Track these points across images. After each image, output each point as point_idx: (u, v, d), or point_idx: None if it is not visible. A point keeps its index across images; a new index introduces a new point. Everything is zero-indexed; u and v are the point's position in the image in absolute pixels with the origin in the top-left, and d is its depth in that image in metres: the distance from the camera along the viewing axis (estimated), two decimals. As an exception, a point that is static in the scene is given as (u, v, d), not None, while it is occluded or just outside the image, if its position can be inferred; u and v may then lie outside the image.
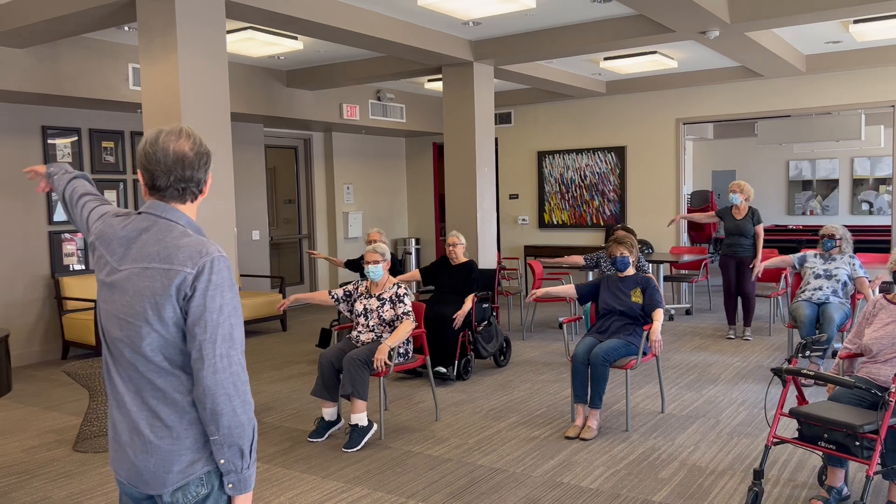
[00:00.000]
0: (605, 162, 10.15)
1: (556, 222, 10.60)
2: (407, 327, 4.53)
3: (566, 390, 5.54)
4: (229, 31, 6.22)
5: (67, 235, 7.30)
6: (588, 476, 3.88)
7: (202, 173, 1.80)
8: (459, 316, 5.76)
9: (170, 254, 1.71)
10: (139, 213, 1.81)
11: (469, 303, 5.83)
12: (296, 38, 6.59)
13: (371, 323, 4.66)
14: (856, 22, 6.68)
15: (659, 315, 4.59)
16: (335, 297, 4.81)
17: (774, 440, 3.34)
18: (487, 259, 7.48)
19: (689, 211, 11.61)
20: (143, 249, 1.74)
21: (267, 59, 7.57)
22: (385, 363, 4.37)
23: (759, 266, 6.81)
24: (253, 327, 8.56)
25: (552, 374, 6.08)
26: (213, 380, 1.66)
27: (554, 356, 6.73)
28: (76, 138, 7.30)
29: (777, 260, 6.24)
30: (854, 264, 5.78)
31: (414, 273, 6.23)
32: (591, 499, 3.60)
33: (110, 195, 7.59)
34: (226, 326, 1.68)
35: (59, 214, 7.21)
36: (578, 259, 6.82)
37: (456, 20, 6.25)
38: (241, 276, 8.90)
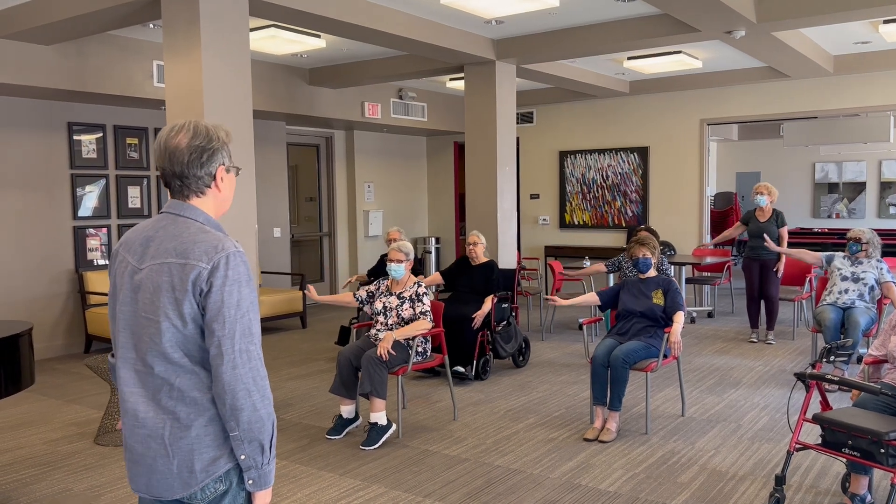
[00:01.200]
0: (628, 162, 10.07)
1: (577, 223, 10.53)
2: (421, 325, 4.52)
3: (585, 392, 5.50)
4: (253, 29, 6.25)
5: (92, 231, 7.38)
6: (606, 479, 3.85)
7: (197, 167, 1.78)
8: (479, 316, 5.74)
9: (186, 249, 1.71)
10: (161, 213, 1.83)
11: (488, 303, 5.81)
12: (318, 37, 6.61)
13: (390, 321, 4.65)
14: (886, 22, 6.55)
15: (679, 317, 4.54)
16: (359, 299, 4.81)
17: (797, 446, 3.29)
18: (507, 259, 7.46)
19: (713, 214, 11.49)
20: (161, 246, 1.75)
21: (290, 56, 7.60)
22: (388, 352, 4.36)
23: (782, 266, 6.76)
24: (273, 324, 8.60)
25: (571, 375, 6.04)
26: (232, 375, 1.65)
27: (573, 357, 6.69)
28: (101, 135, 7.38)
29: (805, 252, 6.14)
30: (882, 268, 5.68)
31: (435, 276, 6.23)
32: (609, 501, 3.56)
33: (133, 192, 7.67)
34: (244, 321, 1.68)
35: (84, 210, 7.29)
36: (600, 267, 6.76)
37: (479, 19, 6.23)
38: (262, 272, 8.95)
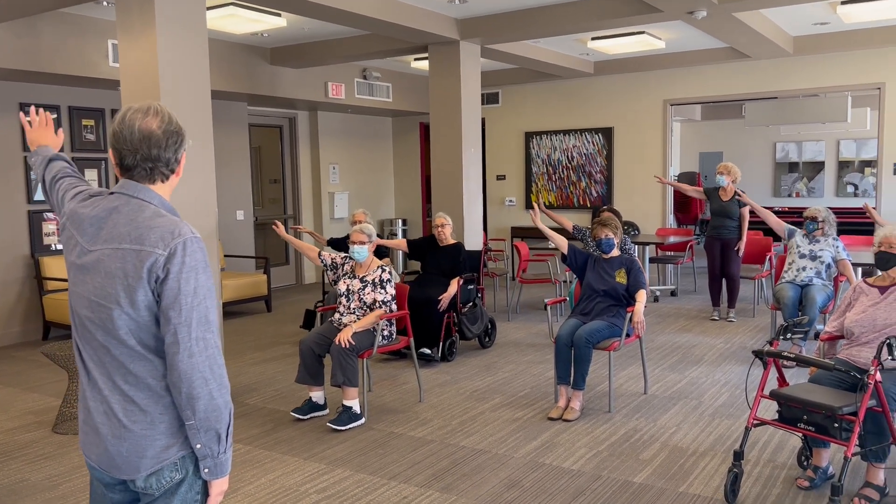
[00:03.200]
0: (593, 143, 10.12)
1: (543, 203, 10.56)
2: (375, 316, 4.49)
3: (550, 371, 5.55)
4: (210, 8, 6.11)
5: (48, 215, 7.20)
6: (570, 457, 3.89)
7: (171, 153, 1.75)
8: (445, 298, 5.74)
9: (141, 234, 1.67)
10: (111, 192, 1.77)
11: (454, 286, 5.81)
12: (279, 15, 6.48)
13: (352, 305, 4.62)
14: (843, 3, 6.64)
15: (642, 296, 4.58)
16: (323, 261, 4.79)
17: (755, 422, 3.35)
18: (473, 240, 7.46)
19: (676, 194, 11.61)
20: (114, 230, 1.70)
21: (250, 36, 7.45)
22: (349, 341, 4.34)
23: (743, 245, 6.88)
24: (237, 308, 8.51)
25: (537, 355, 6.08)
26: (188, 364, 1.63)
27: (539, 337, 6.74)
28: (55, 116, 7.17)
29: (771, 215, 6.23)
30: (838, 247, 5.79)
31: (401, 242, 6.20)
32: (573, 480, 3.60)
33: (90, 174, 7.49)
34: (201, 309, 1.65)
35: (40, 194, 7.10)
36: (569, 224, 6.54)
37: (442, -2, 6.17)
38: (226, 256, 8.83)
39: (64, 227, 1.81)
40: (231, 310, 8.45)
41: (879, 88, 8.31)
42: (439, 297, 5.74)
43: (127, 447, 1.68)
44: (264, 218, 9.83)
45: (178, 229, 1.68)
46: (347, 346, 4.32)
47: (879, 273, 3.57)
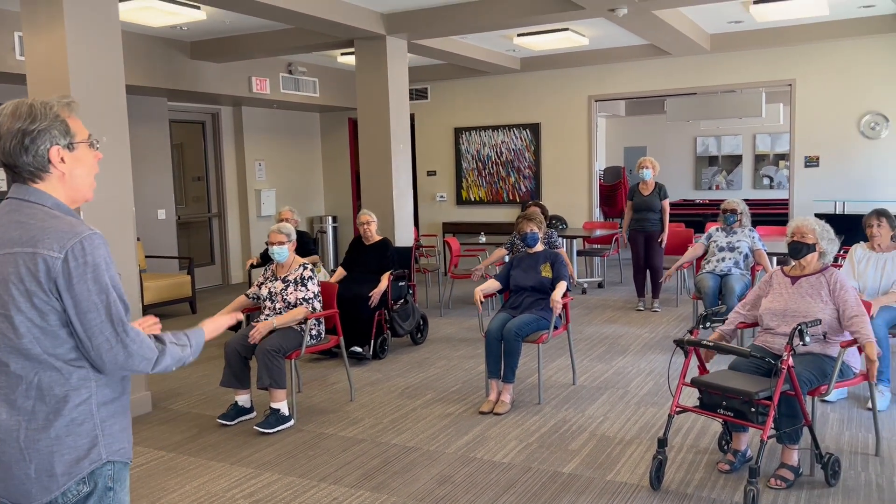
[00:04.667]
0: (521, 139, 10.23)
1: (473, 199, 10.63)
2: (297, 313, 4.41)
3: (481, 366, 5.58)
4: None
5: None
6: (501, 450, 3.92)
7: (20, 153, 1.64)
8: (375, 294, 5.70)
9: (34, 237, 1.59)
10: (5, 198, 1.69)
11: (385, 281, 5.77)
12: (198, 8, 6.29)
13: (277, 306, 4.53)
14: (756, 2, 6.90)
15: (562, 286, 4.64)
16: (254, 296, 4.64)
17: (677, 409, 3.45)
18: (404, 237, 7.43)
19: (602, 187, 11.87)
20: (5, 234, 1.62)
21: (168, 29, 7.21)
22: (261, 336, 4.28)
23: (665, 237, 7.08)
24: (161, 310, 8.24)
25: (468, 350, 6.11)
26: (126, 358, 1.62)
27: (471, 332, 6.77)
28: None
29: (690, 254, 6.31)
30: (754, 237, 6.02)
31: (339, 272, 6.14)
32: (503, 473, 3.63)
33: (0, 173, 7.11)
34: (117, 306, 1.62)
35: (-58, 194, 6.69)
36: (501, 252, 6.71)
37: (366, -8, 6.10)
38: (147, 257, 8.54)
39: None
40: (153, 312, 8.16)
41: (790, 85, 8.67)
42: (370, 294, 5.69)
43: (35, 467, 1.60)
44: (188, 216, 9.55)
45: (73, 229, 1.61)
46: (259, 341, 4.24)
47: (793, 263, 3.72)
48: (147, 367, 1.66)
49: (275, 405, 4.32)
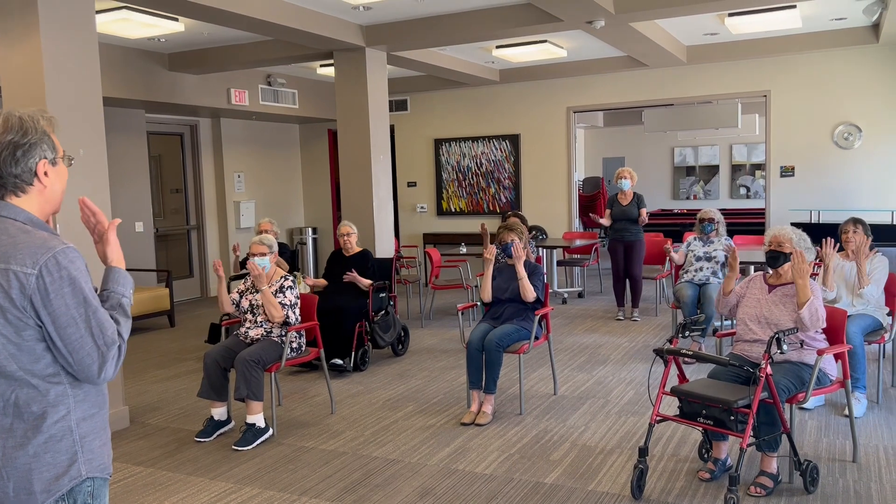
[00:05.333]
0: (501, 150, 10.27)
1: (453, 210, 10.65)
2: (277, 311, 4.38)
3: (463, 377, 5.57)
4: (101, 11, 5.83)
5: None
6: (482, 462, 3.91)
7: (11, 165, 1.63)
8: (354, 276, 5.77)
9: (6, 252, 1.57)
10: None
11: (367, 280, 5.82)
12: (176, 20, 6.26)
13: (259, 318, 4.50)
14: (731, 15, 7.00)
15: (531, 296, 4.66)
16: (235, 302, 4.60)
17: (657, 418, 3.46)
18: (384, 248, 7.42)
19: (581, 198, 11.95)
20: None
21: (146, 41, 7.17)
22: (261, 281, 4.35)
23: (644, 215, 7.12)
24: (138, 324, 8.15)
25: (449, 360, 6.10)
26: (111, 369, 1.62)
27: (452, 343, 6.76)
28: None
29: (675, 261, 6.32)
30: (730, 245, 6.08)
31: (320, 281, 6.14)
32: (485, 484, 3.62)
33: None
34: (98, 316, 1.61)
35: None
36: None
37: (346, 4, 6.11)
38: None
39: None
40: (132, 326, 8.07)
41: (766, 96, 8.80)
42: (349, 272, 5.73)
43: (13, 485, 1.58)
44: (166, 229, 9.47)
45: (47, 244, 1.59)
46: (257, 274, 4.28)
47: (770, 272, 3.76)
48: (119, 366, 1.66)
49: (250, 419, 4.27)
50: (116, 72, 7.33)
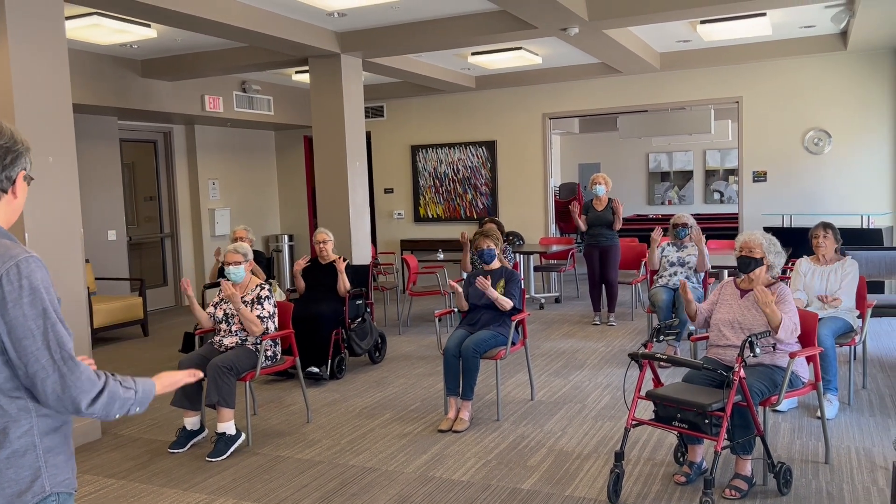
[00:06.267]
0: (477, 156, 10.29)
1: (431, 216, 10.64)
2: (255, 324, 4.34)
3: (440, 384, 5.56)
4: (71, 17, 5.76)
5: None
6: (460, 468, 3.90)
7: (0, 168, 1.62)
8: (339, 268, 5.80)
9: None
10: None
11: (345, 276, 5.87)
12: (148, 26, 6.20)
13: (234, 328, 4.45)
14: (703, 22, 7.09)
15: (507, 305, 4.66)
16: (213, 315, 4.54)
17: (633, 422, 3.48)
18: (361, 255, 7.39)
19: (557, 203, 12.00)
20: None
21: (118, 47, 7.09)
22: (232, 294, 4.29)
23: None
24: (111, 333, 8.03)
25: (427, 367, 6.08)
26: (62, 388, 1.55)
27: (429, 350, 6.74)
28: None
29: (650, 260, 6.36)
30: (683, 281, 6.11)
31: (300, 285, 6.09)
32: (463, 491, 3.61)
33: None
34: (56, 330, 1.56)
35: None
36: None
37: (320, 10, 6.09)
38: (97, 279, 8.33)
39: None
40: (104, 336, 7.96)
41: (738, 102, 8.92)
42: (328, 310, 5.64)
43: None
44: (139, 237, 9.35)
45: (9, 252, 1.56)
46: (230, 293, 4.22)
47: (742, 276, 3.80)
48: (85, 401, 1.57)
49: (220, 428, 4.21)
50: (87, 78, 7.24)
